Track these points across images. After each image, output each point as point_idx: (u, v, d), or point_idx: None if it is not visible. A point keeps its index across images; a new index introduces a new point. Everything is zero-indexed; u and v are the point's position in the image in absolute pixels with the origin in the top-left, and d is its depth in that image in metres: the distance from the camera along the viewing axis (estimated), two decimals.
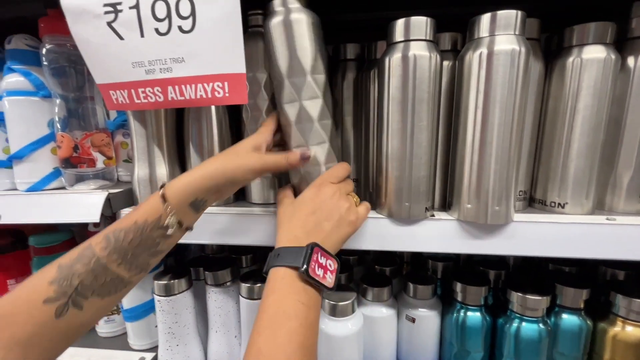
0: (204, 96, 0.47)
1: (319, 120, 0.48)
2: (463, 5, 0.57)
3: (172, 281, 0.62)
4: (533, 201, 0.54)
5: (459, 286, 0.59)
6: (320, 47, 0.47)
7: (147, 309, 0.68)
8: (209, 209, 0.47)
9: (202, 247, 0.84)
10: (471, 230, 0.48)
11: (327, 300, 0.57)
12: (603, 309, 0.56)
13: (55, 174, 0.61)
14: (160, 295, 0.62)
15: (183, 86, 0.47)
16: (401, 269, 0.76)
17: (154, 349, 0.70)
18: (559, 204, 0.51)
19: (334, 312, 0.57)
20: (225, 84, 0.46)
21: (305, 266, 0.39)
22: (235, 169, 0.43)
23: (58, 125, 0.58)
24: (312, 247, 0.41)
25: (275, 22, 0.45)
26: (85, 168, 0.59)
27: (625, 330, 0.53)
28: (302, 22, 0.45)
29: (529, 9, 0.45)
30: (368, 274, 0.68)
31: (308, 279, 0.40)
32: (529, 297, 0.54)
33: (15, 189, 0.61)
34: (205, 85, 0.47)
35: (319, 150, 0.49)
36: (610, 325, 0.55)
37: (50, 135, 0.60)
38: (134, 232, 0.39)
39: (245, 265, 0.73)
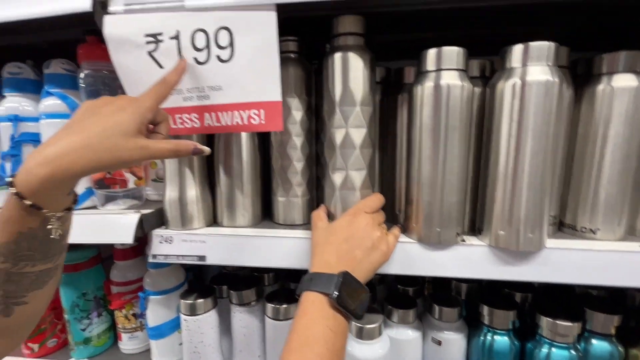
0: (240, 123, 0.49)
1: (360, 148, 0.49)
2: (488, 27, 0.59)
3: (198, 300, 0.62)
4: (563, 225, 0.54)
5: (486, 309, 0.59)
6: (371, 81, 0.50)
7: (172, 326, 0.69)
8: (238, 231, 0.48)
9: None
10: (503, 256, 0.48)
11: (354, 323, 0.57)
12: (635, 335, 0.56)
13: (88, 193, 0.62)
14: (187, 315, 0.62)
15: (220, 113, 0.49)
16: (423, 288, 0.76)
17: None
18: (590, 229, 0.51)
19: (361, 334, 0.57)
20: (262, 111, 0.48)
21: (336, 294, 0.40)
22: (110, 163, 0.37)
23: None
24: (344, 275, 0.42)
25: (336, 57, 0.49)
26: (118, 189, 0.60)
27: None
28: (359, 59, 0.48)
29: (555, 32, 0.46)
30: (392, 294, 0.68)
31: (338, 306, 0.41)
32: (560, 322, 0.54)
33: None
34: (242, 112, 0.48)
35: (357, 176, 0.51)
36: None
37: None
38: (27, 240, 0.36)
39: (268, 284, 0.74)
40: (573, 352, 0.54)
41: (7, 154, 0.61)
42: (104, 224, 0.56)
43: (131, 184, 0.61)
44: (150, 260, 0.57)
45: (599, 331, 0.56)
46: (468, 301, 0.70)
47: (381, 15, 0.52)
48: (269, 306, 0.61)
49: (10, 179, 0.35)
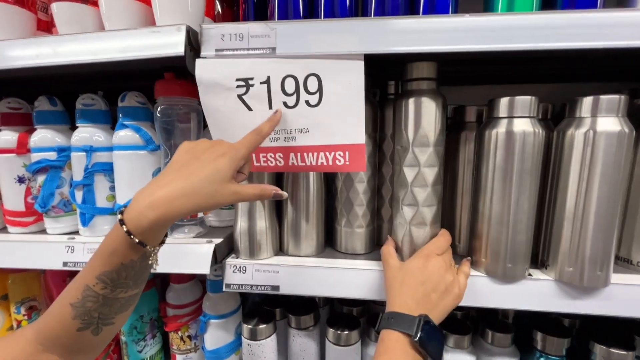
0: (325, 164, 0.51)
1: (432, 186, 0.52)
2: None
3: (262, 326, 0.64)
4: (617, 259, 0.58)
5: (539, 335, 0.62)
6: (443, 123, 0.52)
7: (230, 349, 0.71)
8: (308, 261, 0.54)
9: None
10: (569, 290, 0.51)
11: None
12: None
13: None
14: (250, 340, 0.65)
15: (305, 154, 0.51)
16: (469, 313, 0.79)
17: None
18: None
19: None
20: (347, 153, 0.50)
21: (418, 335, 0.43)
22: (209, 206, 0.41)
23: None
24: (424, 318, 0.45)
25: (411, 101, 0.51)
26: (189, 218, 0.62)
27: None
28: (432, 103, 0.51)
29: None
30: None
31: (419, 347, 0.44)
32: (614, 351, 0.57)
33: None
34: (327, 154, 0.51)
35: (428, 212, 0.53)
36: None
37: None
38: (126, 270, 0.40)
39: (321, 305, 0.76)
40: None
41: (80, 184, 0.63)
42: (180, 254, 0.58)
43: (200, 214, 0.64)
44: (225, 289, 0.59)
45: None
46: (515, 325, 0.73)
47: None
48: (331, 331, 0.64)
49: (120, 217, 0.38)
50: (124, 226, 0.38)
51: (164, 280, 0.79)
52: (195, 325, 0.75)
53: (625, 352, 0.57)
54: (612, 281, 0.50)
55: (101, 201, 0.64)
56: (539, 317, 0.70)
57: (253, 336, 0.65)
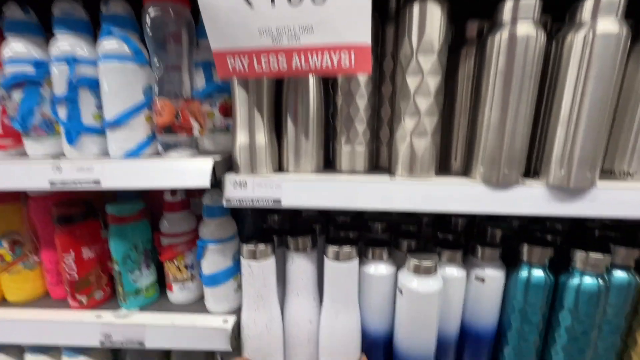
0: (330, 66, 0.50)
1: (435, 95, 0.52)
2: None
3: (262, 246, 0.65)
4: (601, 172, 0.61)
5: (525, 247, 0.66)
6: (447, 30, 0.52)
7: (228, 274, 0.71)
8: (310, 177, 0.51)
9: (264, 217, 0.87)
10: (559, 194, 0.54)
11: (412, 260, 0.63)
12: None
13: (149, 141, 0.62)
14: (251, 260, 0.65)
15: (309, 54, 0.50)
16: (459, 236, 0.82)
17: (232, 312, 0.73)
18: (628, 172, 0.58)
19: (419, 270, 0.62)
20: (352, 54, 0.49)
21: None
22: None
23: (156, 91, 0.58)
24: None
25: (416, 5, 0.51)
26: (185, 136, 0.60)
27: None
28: (438, 7, 0.51)
29: None
30: (439, 237, 0.74)
31: None
32: (592, 254, 0.62)
33: (105, 155, 0.62)
34: (332, 54, 0.49)
35: (429, 122, 0.54)
36: None
37: (144, 102, 0.60)
38: None
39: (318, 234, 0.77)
40: (601, 281, 0.63)
41: (63, 99, 0.59)
42: (178, 170, 0.57)
43: (196, 132, 0.62)
44: (225, 204, 0.58)
45: (620, 264, 0.64)
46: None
47: None
48: (330, 248, 0.65)
49: None
50: None
51: (155, 215, 0.77)
52: (191, 254, 0.75)
53: (602, 256, 0.62)
54: (597, 187, 0.54)
55: (87, 119, 0.61)
56: (524, 233, 0.74)
57: (253, 256, 0.65)
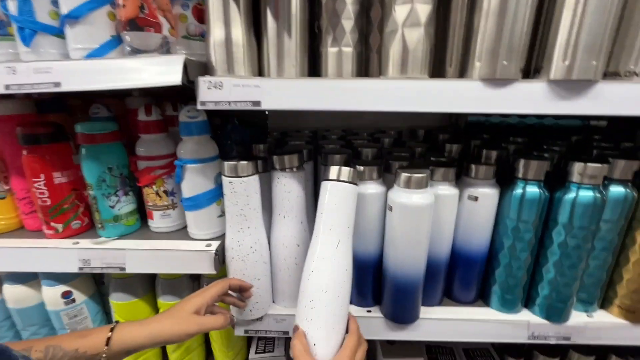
0: None
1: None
2: None
3: (243, 162, 0.61)
4: (605, 75, 0.57)
5: (521, 162, 0.63)
6: None
7: (209, 198, 0.68)
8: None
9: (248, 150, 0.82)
10: (560, 91, 0.50)
11: (402, 174, 0.59)
12: None
13: (114, 42, 0.56)
14: (232, 177, 0.61)
15: None
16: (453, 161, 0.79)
17: (215, 239, 0.71)
18: (635, 72, 0.54)
19: (409, 184, 0.59)
20: None
21: None
22: (174, 334, 0.53)
23: None
24: None
25: None
26: (152, 32, 0.54)
27: None
28: None
29: None
30: (432, 160, 0.70)
31: None
32: (590, 164, 0.59)
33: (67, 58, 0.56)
34: None
35: (423, 10, 0.50)
36: None
37: None
38: (69, 357, 0.47)
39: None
40: (598, 194, 0.60)
41: None
42: (146, 68, 0.51)
43: (165, 31, 0.55)
44: (199, 107, 0.53)
45: (618, 177, 0.62)
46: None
47: None
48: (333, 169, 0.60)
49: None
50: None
51: (132, 137, 0.72)
52: (171, 180, 0.71)
53: (600, 165, 0.59)
54: (601, 82, 0.50)
55: (42, 16, 0.54)
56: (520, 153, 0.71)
57: (234, 173, 0.61)
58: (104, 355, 0.49)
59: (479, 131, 0.83)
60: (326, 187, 0.57)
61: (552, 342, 0.68)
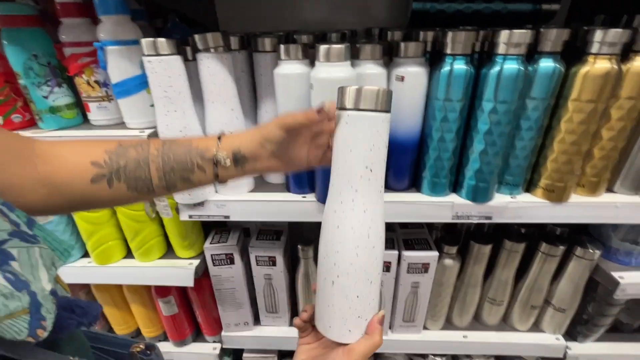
0: None
1: None
2: None
3: (162, 39, 0.59)
4: None
5: (449, 36, 0.60)
6: None
7: (138, 83, 0.68)
8: None
9: None
10: None
11: (321, 47, 0.58)
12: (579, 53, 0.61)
13: None
14: (151, 55, 0.60)
15: None
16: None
17: (149, 128, 0.72)
18: None
19: (328, 56, 0.58)
20: None
21: None
22: (269, 127, 0.45)
23: None
24: None
25: None
26: None
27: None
28: None
29: None
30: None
31: None
32: (515, 30, 0.57)
33: None
34: None
35: None
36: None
37: None
38: (184, 148, 0.44)
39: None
40: (522, 64, 0.59)
41: None
42: None
43: None
44: None
45: (547, 50, 0.60)
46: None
47: None
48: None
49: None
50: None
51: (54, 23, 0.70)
52: (102, 70, 0.70)
53: (524, 31, 0.57)
54: None
55: None
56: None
57: (153, 50, 0.60)
58: (219, 152, 0.44)
59: (425, 19, 0.79)
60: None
61: (475, 221, 0.72)
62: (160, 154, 0.43)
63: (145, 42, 0.59)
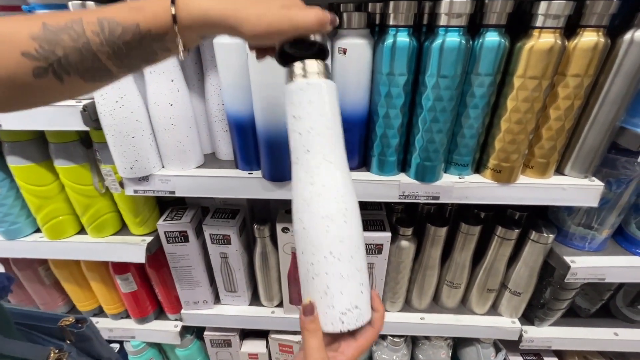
0: None
1: None
2: None
3: (90, 2, 0.57)
4: None
5: (391, 5, 0.58)
6: None
7: None
8: None
9: None
10: None
11: None
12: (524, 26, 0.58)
13: None
14: None
15: None
16: None
17: (87, 99, 0.70)
18: None
19: None
20: None
21: None
22: (250, 18, 0.36)
23: None
24: None
25: None
26: None
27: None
28: None
29: None
30: None
31: None
32: (456, 0, 0.54)
33: None
34: None
35: None
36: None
37: None
38: (132, 35, 0.35)
39: None
40: (464, 35, 0.57)
41: None
42: None
43: None
44: None
45: (492, 23, 0.57)
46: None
47: None
48: None
49: None
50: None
51: None
52: None
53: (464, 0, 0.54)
54: None
55: None
56: None
57: None
58: (178, 40, 0.37)
59: None
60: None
61: (422, 200, 0.71)
62: (102, 42, 0.35)
63: (74, 5, 0.57)
